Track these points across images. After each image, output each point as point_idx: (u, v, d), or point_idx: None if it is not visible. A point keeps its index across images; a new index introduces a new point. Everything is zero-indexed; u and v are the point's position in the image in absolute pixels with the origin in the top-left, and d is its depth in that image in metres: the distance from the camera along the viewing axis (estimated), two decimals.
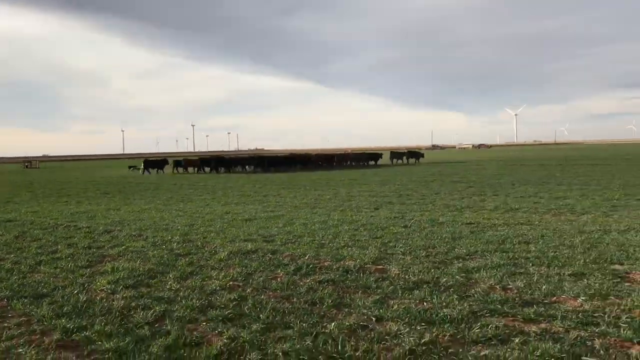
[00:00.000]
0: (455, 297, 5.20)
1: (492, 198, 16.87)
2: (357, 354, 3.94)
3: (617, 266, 6.28)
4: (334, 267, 6.59)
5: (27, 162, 70.98)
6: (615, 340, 4.04)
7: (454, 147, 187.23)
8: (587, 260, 6.54)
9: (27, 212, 14.63)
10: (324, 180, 25.21)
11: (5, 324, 4.91)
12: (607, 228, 9.14)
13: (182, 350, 4.11)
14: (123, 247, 8.36)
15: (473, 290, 5.42)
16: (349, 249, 7.66)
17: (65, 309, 5.25)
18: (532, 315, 4.61)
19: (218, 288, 5.81)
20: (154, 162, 40.38)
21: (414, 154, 45.69)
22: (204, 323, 4.74)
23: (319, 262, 6.86)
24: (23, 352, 4.22)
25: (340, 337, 4.22)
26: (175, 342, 4.27)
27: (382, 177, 26.66)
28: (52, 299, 5.64)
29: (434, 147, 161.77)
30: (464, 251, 7.35)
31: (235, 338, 4.30)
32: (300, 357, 3.92)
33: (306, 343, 4.14)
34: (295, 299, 5.29)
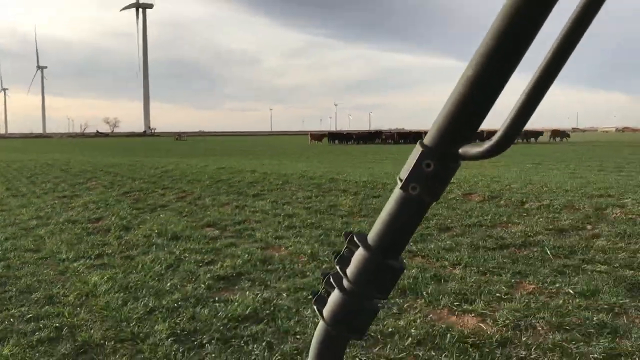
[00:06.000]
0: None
1: None
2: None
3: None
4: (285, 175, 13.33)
5: (177, 136, 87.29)
6: None
7: (596, 130, 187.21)
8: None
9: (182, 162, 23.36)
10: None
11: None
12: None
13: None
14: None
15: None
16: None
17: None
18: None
19: (248, 180, 12.96)
20: (336, 135, 57.08)
21: (564, 133, 58.80)
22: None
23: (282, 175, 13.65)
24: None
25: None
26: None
27: None
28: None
29: (574, 129, 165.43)
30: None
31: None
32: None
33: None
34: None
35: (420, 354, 3.37)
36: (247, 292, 4.57)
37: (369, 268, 0.53)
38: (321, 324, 0.58)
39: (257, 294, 4.49)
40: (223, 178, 12.43)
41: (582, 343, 3.41)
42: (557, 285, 4.47)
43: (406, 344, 3.51)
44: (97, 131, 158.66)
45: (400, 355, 3.38)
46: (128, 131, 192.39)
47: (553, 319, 3.77)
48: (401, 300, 4.29)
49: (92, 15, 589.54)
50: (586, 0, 0.36)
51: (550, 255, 5.35)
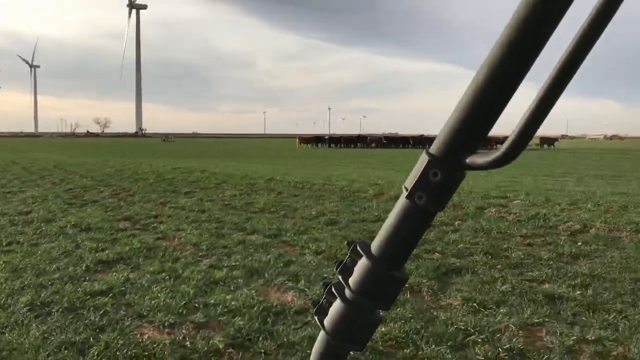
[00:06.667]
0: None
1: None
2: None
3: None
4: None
5: (165, 137, 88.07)
6: None
7: (584, 137, 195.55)
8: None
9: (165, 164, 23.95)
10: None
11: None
12: None
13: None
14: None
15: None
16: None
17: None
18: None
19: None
20: (321, 139, 59.05)
21: (551, 140, 60.85)
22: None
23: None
24: None
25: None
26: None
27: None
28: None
29: (563, 136, 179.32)
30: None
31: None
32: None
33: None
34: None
35: (229, 320, 4.03)
36: (116, 273, 5.22)
37: (372, 278, 0.52)
38: (322, 334, 0.57)
39: (124, 275, 5.15)
40: (168, 177, 13.09)
41: None
42: None
43: (224, 310, 4.19)
44: (88, 131, 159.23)
45: (214, 321, 4.04)
46: (120, 131, 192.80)
47: None
48: (248, 280, 4.97)
49: (86, 15, 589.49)
50: (596, 13, 0.36)
51: None
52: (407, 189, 0.48)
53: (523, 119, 0.40)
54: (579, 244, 6.00)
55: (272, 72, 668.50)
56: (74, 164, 18.56)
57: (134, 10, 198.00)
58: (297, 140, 58.91)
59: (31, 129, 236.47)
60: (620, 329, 3.75)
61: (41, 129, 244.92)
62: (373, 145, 58.41)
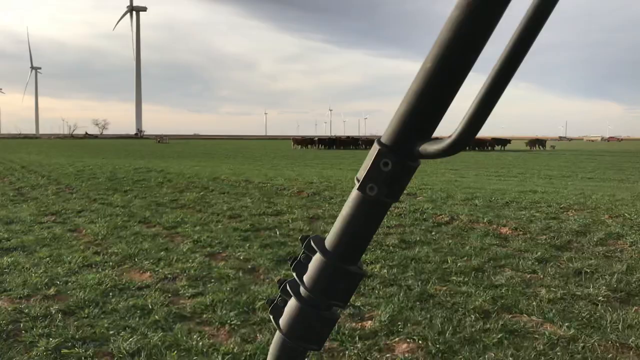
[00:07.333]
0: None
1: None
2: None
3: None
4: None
5: (159, 138, 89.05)
6: None
7: (581, 139, 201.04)
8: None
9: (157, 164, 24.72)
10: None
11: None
12: None
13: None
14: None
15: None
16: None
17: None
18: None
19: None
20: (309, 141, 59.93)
21: (541, 142, 61.77)
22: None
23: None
24: None
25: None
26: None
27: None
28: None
29: (561, 138, 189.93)
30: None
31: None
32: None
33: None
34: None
35: (75, 293, 4.76)
36: (8, 258, 5.96)
37: (327, 274, 0.50)
38: (277, 334, 0.55)
39: (14, 259, 5.89)
40: (120, 177, 13.86)
41: (216, 282, 4.85)
42: (243, 251, 5.91)
43: (78, 286, 4.93)
44: (86, 132, 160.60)
45: (63, 294, 4.78)
46: (120, 133, 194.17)
47: (194, 273, 5.20)
48: (119, 264, 5.71)
49: (86, 17, 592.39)
50: (539, 1, 0.36)
51: (278, 236, 6.79)
52: (358, 181, 0.47)
53: (472, 107, 0.39)
54: (432, 232, 6.73)
55: (273, 73, 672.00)
56: (43, 165, 19.35)
57: (133, 12, 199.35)
58: (292, 141, 60.00)
59: (32, 131, 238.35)
60: (396, 299, 4.48)
61: (42, 130, 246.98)
62: (364, 147, 59.27)
